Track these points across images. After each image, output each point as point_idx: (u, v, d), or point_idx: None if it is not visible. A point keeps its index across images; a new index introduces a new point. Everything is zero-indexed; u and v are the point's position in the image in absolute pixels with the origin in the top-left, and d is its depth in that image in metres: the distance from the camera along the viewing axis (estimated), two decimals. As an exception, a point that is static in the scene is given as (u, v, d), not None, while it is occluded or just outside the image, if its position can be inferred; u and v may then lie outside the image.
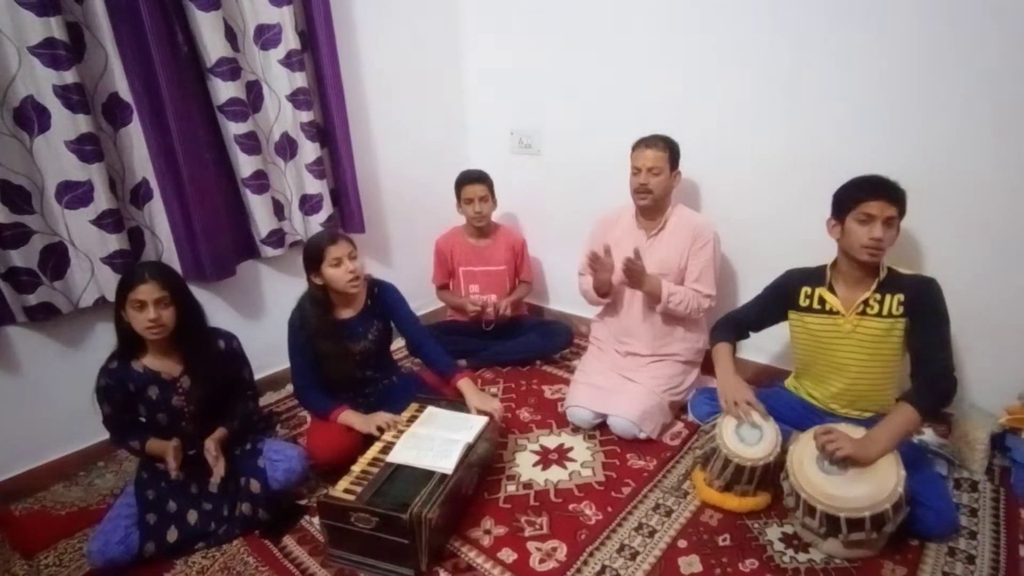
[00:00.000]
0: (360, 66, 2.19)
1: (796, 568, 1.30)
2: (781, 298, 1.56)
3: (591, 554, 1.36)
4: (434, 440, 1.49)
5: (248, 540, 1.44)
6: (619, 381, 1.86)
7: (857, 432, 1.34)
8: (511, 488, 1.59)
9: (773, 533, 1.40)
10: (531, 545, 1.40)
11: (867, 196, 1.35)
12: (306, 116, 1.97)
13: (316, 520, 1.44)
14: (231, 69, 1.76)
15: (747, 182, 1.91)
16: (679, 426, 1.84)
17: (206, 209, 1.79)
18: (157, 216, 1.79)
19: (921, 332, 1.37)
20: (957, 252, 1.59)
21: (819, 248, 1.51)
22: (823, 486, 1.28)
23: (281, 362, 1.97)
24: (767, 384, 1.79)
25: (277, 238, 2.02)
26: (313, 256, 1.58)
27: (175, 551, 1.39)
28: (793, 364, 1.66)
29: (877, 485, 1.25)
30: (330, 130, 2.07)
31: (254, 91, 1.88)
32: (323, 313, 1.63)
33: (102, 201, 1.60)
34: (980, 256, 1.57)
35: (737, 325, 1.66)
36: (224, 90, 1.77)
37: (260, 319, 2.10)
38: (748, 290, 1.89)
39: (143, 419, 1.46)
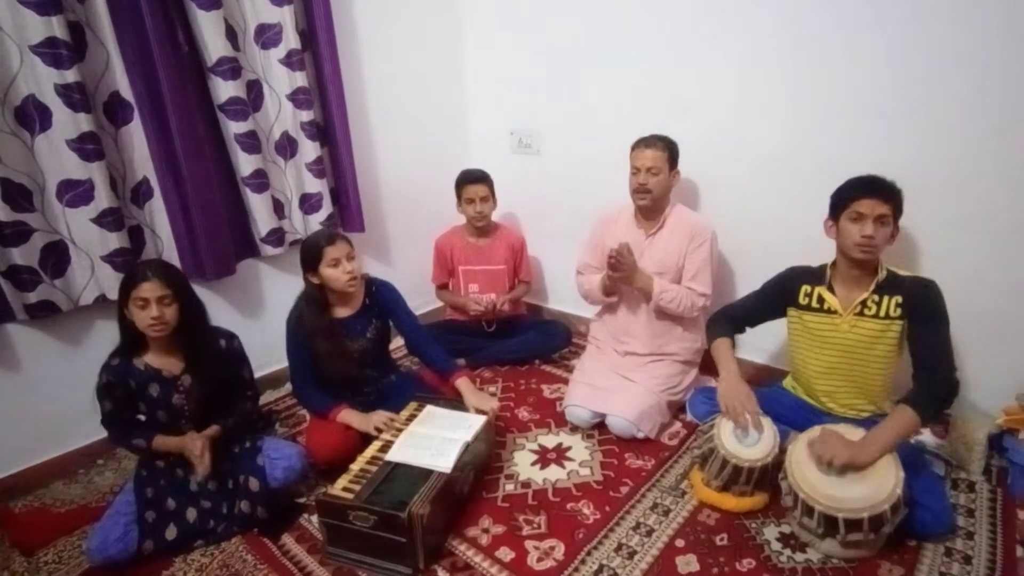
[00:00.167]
0: (360, 66, 2.19)
1: (793, 568, 1.30)
2: (781, 294, 1.56)
3: (589, 553, 1.37)
4: (432, 439, 1.50)
5: (247, 538, 1.44)
6: (617, 381, 1.86)
7: (856, 433, 1.35)
8: (509, 487, 1.60)
9: (771, 533, 1.40)
10: (529, 544, 1.40)
11: (858, 195, 1.36)
12: (306, 115, 1.98)
13: (315, 518, 1.44)
14: (232, 68, 1.77)
15: (746, 182, 1.91)
16: (677, 426, 1.84)
17: (206, 208, 1.79)
18: (157, 215, 1.79)
19: (921, 335, 1.37)
20: (956, 252, 1.60)
21: (818, 248, 1.51)
22: (821, 486, 1.29)
23: (280, 361, 1.98)
24: (766, 384, 1.79)
25: (277, 237, 2.02)
26: (310, 256, 1.59)
27: (174, 549, 1.39)
28: (790, 364, 1.66)
29: (876, 486, 1.25)
30: (330, 129, 2.08)
31: (254, 90, 1.89)
32: (320, 312, 1.64)
33: (103, 200, 1.60)
34: (979, 257, 1.57)
35: (734, 319, 1.66)
36: (224, 89, 1.78)
37: (260, 318, 2.10)
38: (746, 290, 1.88)
39: (143, 417, 1.46)
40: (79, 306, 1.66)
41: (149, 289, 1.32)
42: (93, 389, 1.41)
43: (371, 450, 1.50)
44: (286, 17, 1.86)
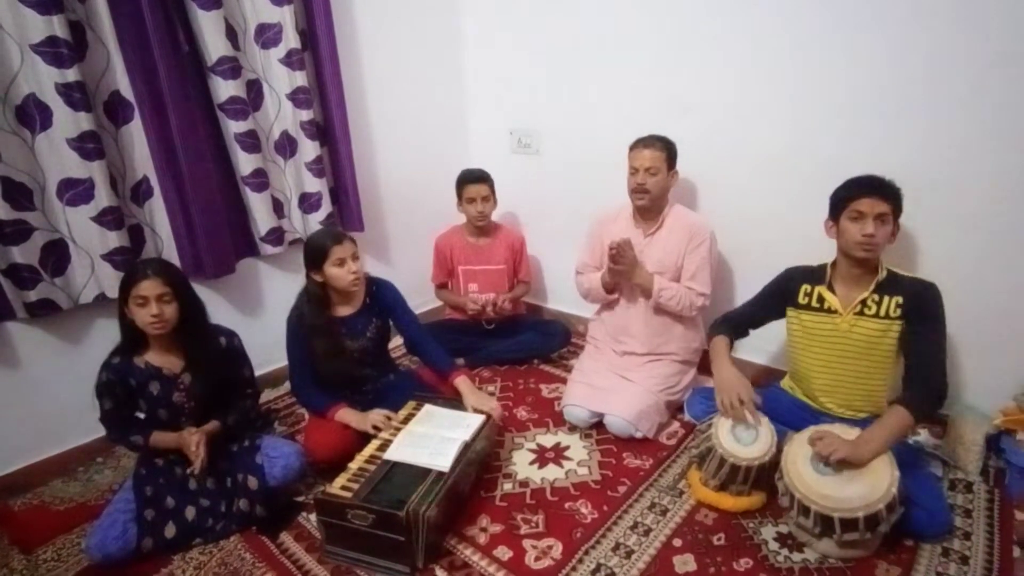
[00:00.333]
0: (360, 65, 2.20)
1: (790, 568, 1.30)
2: (781, 295, 1.57)
3: (586, 552, 1.37)
4: (431, 438, 1.50)
5: (245, 536, 1.45)
6: (616, 380, 1.86)
7: (851, 433, 1.35)
8: (508, 486, 1.60)
9: (768, 533, 1.40)
10: (527, 543, 1.40)
11: (858, 194, 1.37)
12: (306, 115, 1.98)
13: (313, 517, 1.45)
14: (232, 68, 1.77)
15: (745, 182, 1.91)
16: (675, 425, 1.84)
17: (206, 207, 1.79)
18: (157, 214, 1.80)
19: (917, 336, 1.38)
20: (955, 253, 1.60)
21: (817, 248, 1.52)
22: (817, 486, 1.29)
23: (280, 359, 1.98)
24: (764, 384, 1.80)
25: (276, 236, 2.03)
26: (316, 254, 1.59)
27: (173, 547, 1.39)
28: (789, 364, 1.66)
29: (871, 485, 1.25)
30: (330, 129, 2.08)
31: (254, 90, 1.89)
32: (322, 310, 1.64)
33: (103, 198, 1.61)
34: (978, 257, 1.57)
35: (736, 323, 1.66)
36: (224, 88, 1.78)
37: (259, 316, 2.11)
38: (745, 289, 1.89)
39: (143, 415, 1.47)
40: (79, 305, 1.67)
41: (148, 287, 1.32)
42: (93, 387, 1.41)
43: (369, 449, 1.50)
44: (286, 17, 1.86)
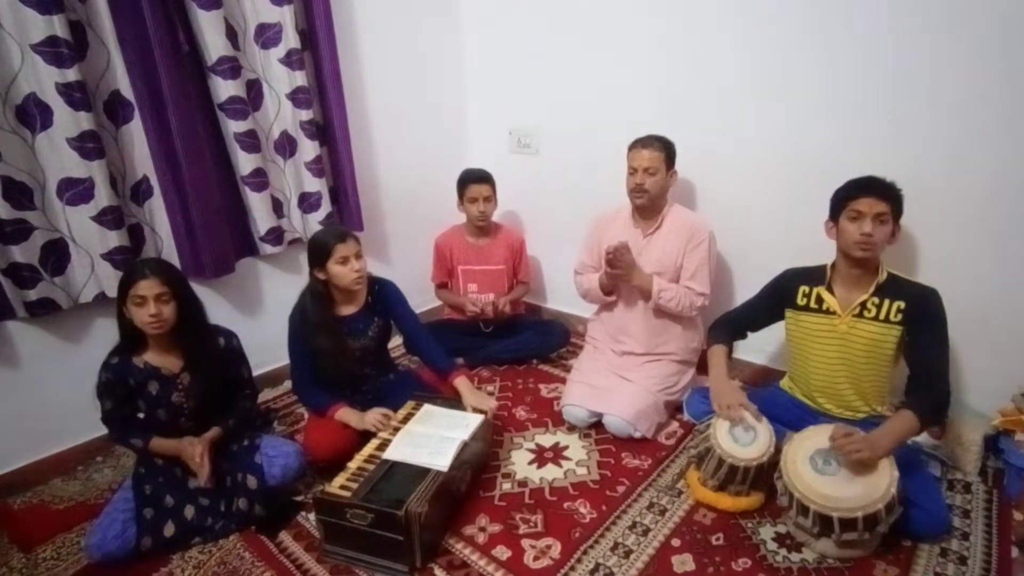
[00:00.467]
0: (360, 65, 2.20)
1: (789, 568, 1.31)
2: (779, 296, 1.57)
3: (585, 552, 1.37)
4: (430, 438, 1.50)
5: (244, 536, 1.45)
6: (615, 380, 1.87)
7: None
8: (506, 486, 1.60)
9: (766, 533, 1.41)
10: (525, 543, 1.40)
11: (856, 193, 1.37)
12: (306, 115, 1.99)
13: (312, 516, 1.45)
14: (231, 68, 1.77)
15: (745, 183, 1.92)
16: (674, 425, 1.84)
17: (206, 206, 1.80)
18: (157, 213, 1.80)
19: (921, 343, 1.38)
20: (954, 254, 1.60)
21: (816, 249, 1.52)
22: (816, 486, 1.29)
23: (279, 359, 1.99)
24: (763, 385, 1.80)
25: (276, 236, 2.03)
26: (320, 251, 1.59)
27: (172, 546, 1.39)
28: (787, 364, 1.67)
29: (870, 485, 1.26)
30: (329, 129, 2.08)
31: (254, 89, 1.90)
32: (324, 308, 1.64)
33: (103, 198, 1.61)
34: (977, 259, 1.57)
35: (735, 326, 1.67)
36: (224, 88, 1.78)
37: (259, 316, 2.11)
38: (744, 290, 1.89)
39: (142, 415, 1.47)
40: (79, 304, 1.67)
41: (147, 287, 1.32)
42: (93, 387, 1.41)
43: (369, 448, 1.50)
44: (286, 17, 1.86)
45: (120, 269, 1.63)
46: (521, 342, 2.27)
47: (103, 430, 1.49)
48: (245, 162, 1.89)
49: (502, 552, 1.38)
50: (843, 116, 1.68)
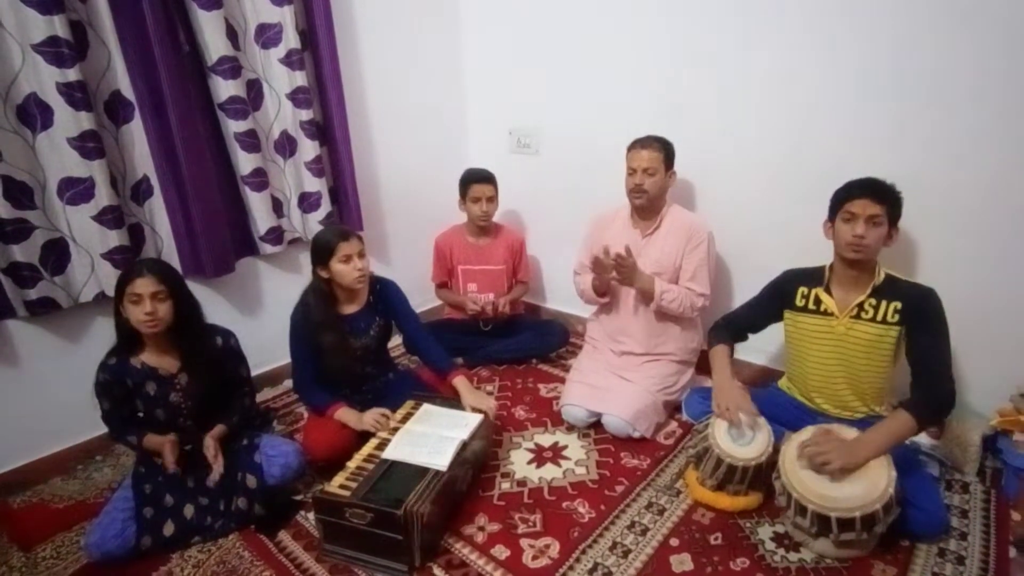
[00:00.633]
0: (360, 65, 2.20)
1: (787, 567, 1.31)
2: (778, 298, 1.57)
3: (583, 551, 1.37)
4: (429, 437, 1.50)
5: (244, 535, 1.45)
6: (614, 380, 1.87)
7: (849, 433, 1.35)
8: (505, 486, 1.60)
9: (765, 532, 1.41)
10: (524, 542, 1.41)
11: (851, 195, 1.38)
12: (306, 114, 1.99)
13: (311, 515, 1.45)
14: (232, 68, 1.78)
15: (744, 183, 1.92)
16: (673, 425, 1.85)
17: (206, 206, 1.80)
18: (157, 213, 1.80)
19: (920, 343, 1.38)
20: (954, 255, 1.60)
21: (816, 250, 1.52)
22: (814, 486, 1.29)
23: (279, 358, 1.99)
24: (762, 385, 1.80)
25: (276, 235, 2.03)
26: (323, 250, 1.60)
27: (171, 545, 1.40)
28: (786, 365, 1.67)
29: (868, 486, 1.26)
30: (329, 128, 2.09)
31: (254, 89, 1.90)
32: (327, 307, 1.65)
33: (103, 197, 1.61)
34: (977, 259, 1.57)
35: (735, 327, 1.67)
36: (225, 88, 1.79)
37: (258, 316, 2.11)
38: (743, 290, 1.90)
39: (141, 415, 1.47)
40: (79, 303, 1.67)
41: (142, 285, 1.33)
42: (92, 386, 1.42)
43: (368, 448, 1.50)
44: (286, 17, 1.87)
45: (120, 268, 1.63)
46: (520, 342, 2.27)
47: (103, 429, 1.50)
48: (245, 162, 1.89)
49: (501, 551, 1.38)
50: (843, 116, 1.68)
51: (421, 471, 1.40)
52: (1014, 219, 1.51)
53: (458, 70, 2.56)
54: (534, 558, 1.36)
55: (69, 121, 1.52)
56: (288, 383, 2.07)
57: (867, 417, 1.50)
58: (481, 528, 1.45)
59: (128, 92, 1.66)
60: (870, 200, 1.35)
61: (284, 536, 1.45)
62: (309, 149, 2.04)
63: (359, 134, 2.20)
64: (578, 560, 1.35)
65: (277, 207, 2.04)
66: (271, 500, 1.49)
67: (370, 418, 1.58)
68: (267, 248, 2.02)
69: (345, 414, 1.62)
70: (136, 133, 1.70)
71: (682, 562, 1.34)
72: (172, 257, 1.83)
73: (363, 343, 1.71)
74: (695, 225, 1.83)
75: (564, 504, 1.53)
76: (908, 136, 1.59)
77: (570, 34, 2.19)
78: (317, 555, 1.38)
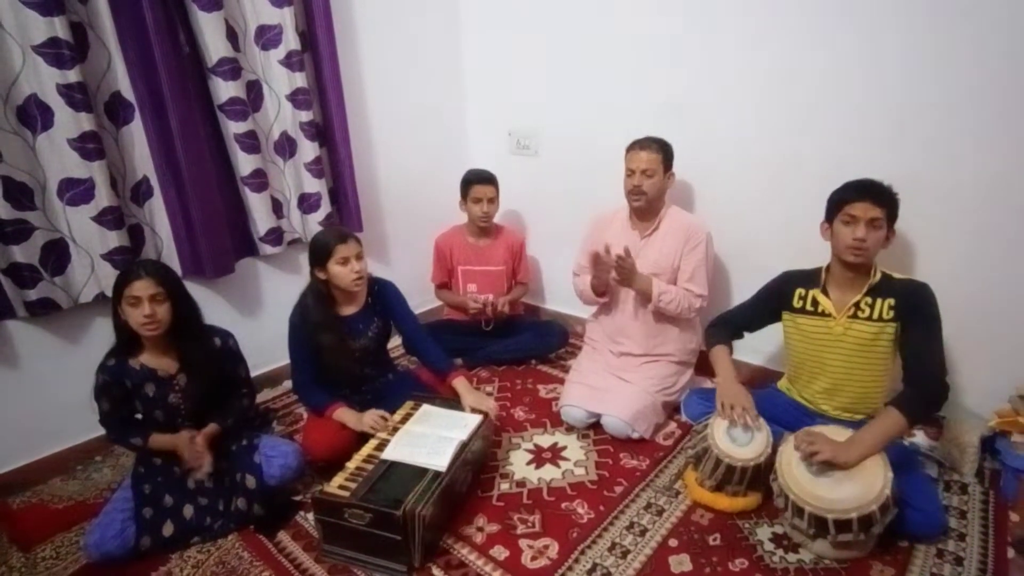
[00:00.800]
0: (360, 66, 2.21)
1: (785, 568, 1.31)
2: (776, 299, 1.57)
3: (582, 552, 1.37)
4: (428, 438, 1.51)
5: (243, 535, 1.45)
6: (613, 381, 1.87)
7: (845, 434, 1.36)
8: (504, 486, 1.60)
9: (763, 533, 1.41)
10: (523, 543, 1.41)
11: (851, 198, 1.37)
12: (305, 116, 1.99)
13: (311, 516, 1.45)
14: (232, 69, 1.78)
15: (744, 183, 1.92)
16: (672, 426, 1.85)
17: (205, 207, 1.80)
18: (157, 213, 1.81)
19: (912, 337, 1.38)
20: (954, 256, 1.60)
21: (815, 250, 1.52)
22: (811, 487, 1.30)
23: (278, 359, 1.99)
24: (760, 385, 1.80)
25: (275, 236, 2.03)
26: (321, 251, 1.60)
27: (170, 545, 1.40)
28: (786, 366, 1.67)
29: (864, 487, 1.26)
30: (329, 130, 2.09)
31: (254, 91, 1.90)
32: (325, 308, 1.65)
33: (103, 198, 1.61)
34: (976, 260, 1.58)
35: (732, 326, 1.67)
36: (225, 89, 1.79)
37: (258, 316, 2.11)
38: (743, 291, 1.89)
39: (140, 416, 1.47)
40: (79, 304, 1.67)
41: (141, 287, 1.33)
42: (91, 388, 1.42)
43: (367, 448, 1.51)
44: (286, 18, 1.87)
45: (120, 269, 1.63)
46: (520, 343, 2.27)
47: (102, 430, 1.50)
48: (245, 163, 1.89)
49: (500, 552, 1.38)
50: (843, 116, 1.68)
51: (420, 472, 1.40)
52: (1014, 220, 1.51)
53: (458, 71, 2.56)
54: (533, 559, 1.36)
55: (69, 122, 1.52)
56: (287, 384, 2.07)
57: (867, 419, 1.50)
58: (480, 529, 1.46)
59: (128, 93, 1.67)
60: (871, 203, 1.35)
61: (283, 536, 1.45)
62: (309, 150, 2.04)
63: (359, 135, 2.21)
64: (577, 561, 1.35)
65: (277, 208, 2.04)
66: (270, 500, 1.49)
67: (369, 419, 1.58)
68: (267, 249, 2.03)
69: (344, 414, 1.62)
70: (136, 134, 1.71)
71: (681, 563, 1.34)
72: (172, 258, 1.84)
73: (362, 344, 1.72)
74: (693, 226, 1.84)
75: (563, 505, 1.53)
76: (908, 136, 1.60)
77: (570, 35, 2.19)
78: (316, 555, 1.39)
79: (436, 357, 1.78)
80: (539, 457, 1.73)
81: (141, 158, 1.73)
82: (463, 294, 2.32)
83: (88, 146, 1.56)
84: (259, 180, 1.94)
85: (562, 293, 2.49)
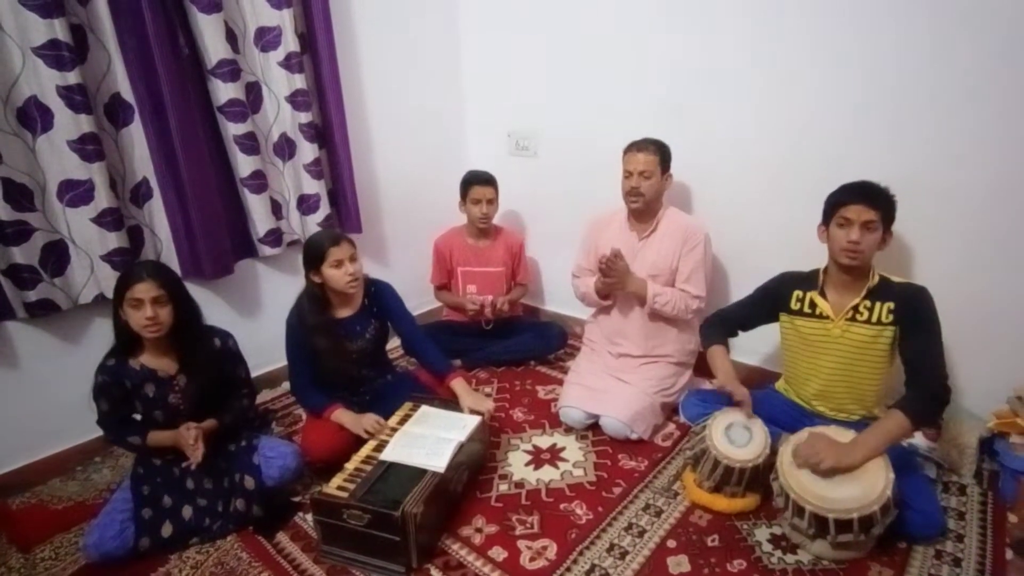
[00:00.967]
0: (359, 68, 2.21)
1: (784, 569, 1.31)
2: (773, 300, 1.57)
3: (581, 553, 1.37)
4: (427, 439, 1.51)
5: (242, 536, 1.45)
6: (612, 382, 1.87)
7: (846, 435, 1.36)
8: (503, 487, 1.61)
9: (762, 534, 1.41)
10: (522, 544, 1.41)
11: (846, 200, 1.37)
12: (305, 117, 2.00)
13: (309, 517, 1.45)
14: (231, 70, 1.79)
15: (743, 185, 1.92)
16: (671, 427, 1.85)
17: (205, 208, 1.81)
18: (156, 215, 1.81)
19: (912, 341, 1.38)
20: (953, 257, 1.60)
21: (814, 251, 1.52)
22: (812, 487, 1.30)
23: (278, 360, 1.99)
24: (758, 386, 1.80)
25: (275, 237, 2.04)
26: (314, 255, 1.60)
27: (169, 546, 1.40)
28: (783, 367, 1.67)
29: (866, 487, 1.26)
30: (328, 131, 2.09)
31: (254, 92, 1.91)
32: (321, 311, 1.65)
33: (102, 200, 1.62)
34: (975, 261, 1.58)
35: (728, 324, 1.67)
36: (224, 91, 1.80)
37: (257, 317, 2.12)
38: (741, 293, 1.88)
39: (139, 416, 1.47)
40: (78, 305, 1.68)
41: (143, 290, 1.33)
42: (91, 389, 1.42)
43: (366, 449, 1.51)
44: (285, 20, 1.87)
45: (119, 270, 1.64)
46: (519, 344, 2.28)
47: (102, 431, 1.50)
48: (244, 164, 1.90)
49: (498, 553, 1.38)
50: (843, 116, 1.68)
51: (419, 473, 1.40)
52: (1014, 221, 1.51)
53: (457, 72, 2.56)
54: (531, 559, 1.36)
55: (69, 124, 1.53)
56: (287, 385, 2.07)
57: (864, 419, 1.50)
58: (479, 529, 1.46)
59: (128, 95, 1.67)
60: (865, 205, 1.35)
61: (282, 537, 1.46)
62: (308, 151, 2.04)
63: (358, 136, 2.21)
64: (575, 562, 1.35)
65: (276, 209, 2.04)
66: (269, 501, 1.49)
67: (367, 422, 1.58)
68: (266, 250, 2.03)
69: (342, 415, 1.62)
70: (136, 136, 1.71)
71: (679, 564, 1.34)
72: (171, 259, 1.84)
73: (359, 346, 1.72)
74: (691, 227, 1.84)
75: (562, 506, 1.53)
76: (908, 136, 1.60)
77: (569, 36, 2.20)
78: (315, 556, 1.39)
79: (434, 358, 1.78)
80: (538, 458, 1.73)
81: (141, 159, 1.74)
82: (462, 295, 2.32)
83: (88, 148, 1.56)
84: (258, 181, 1.94)
85: (561, 294, 2.49)
